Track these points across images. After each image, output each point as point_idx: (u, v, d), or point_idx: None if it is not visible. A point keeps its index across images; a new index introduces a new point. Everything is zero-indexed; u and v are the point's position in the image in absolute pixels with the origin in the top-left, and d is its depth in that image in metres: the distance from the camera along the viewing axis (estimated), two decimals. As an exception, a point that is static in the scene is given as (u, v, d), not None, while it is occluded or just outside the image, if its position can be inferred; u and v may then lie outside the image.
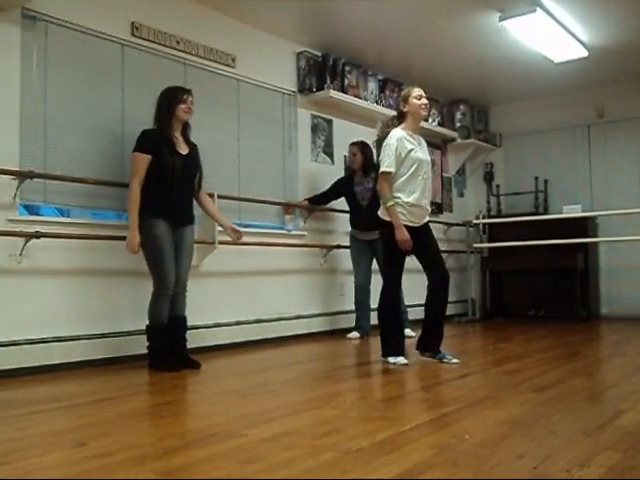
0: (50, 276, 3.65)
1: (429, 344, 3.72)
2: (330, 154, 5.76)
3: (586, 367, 3.59)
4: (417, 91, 3.74)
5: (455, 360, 3.66)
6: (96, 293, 3.84)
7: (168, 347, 3.61)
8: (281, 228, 5.27)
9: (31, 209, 3.97)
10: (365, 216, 4.87)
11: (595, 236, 6.67)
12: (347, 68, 5.72)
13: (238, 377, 3.51)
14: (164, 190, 3.57)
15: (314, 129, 5.60)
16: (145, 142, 3.59)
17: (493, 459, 1.82)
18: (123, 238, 3.87)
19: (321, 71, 5.54)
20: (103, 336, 3.83)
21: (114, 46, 4.09)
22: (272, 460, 1.84)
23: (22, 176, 3.51)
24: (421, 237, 3.68)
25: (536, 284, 6.80)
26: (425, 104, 3.76)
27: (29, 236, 3.46)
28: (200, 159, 3.83)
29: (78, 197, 3.86)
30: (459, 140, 7.28)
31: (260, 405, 2.68)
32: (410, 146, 3.65)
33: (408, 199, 3.61)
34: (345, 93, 5.63)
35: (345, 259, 5.41)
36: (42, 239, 3.51)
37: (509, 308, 7.03)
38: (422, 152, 3.73)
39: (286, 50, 5.37)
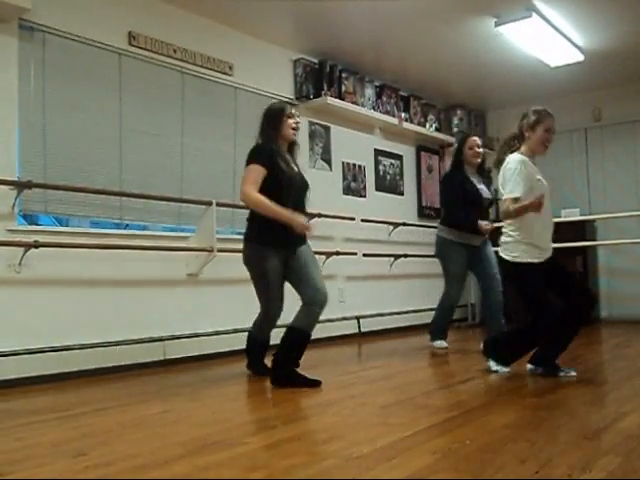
0: (49, 286, 3.65)
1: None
2: (328, 161, 5.76)
3: (586, 371, 3.58)
4: (549, 122, 3.32)
5: (572, 373, 3.28)
6: (95, 302, 3.84)
7: (260, 357, 3.72)
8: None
9: (30, 219, 3.98)
10: (485, 218, 4.51)
11: (594, 239, 6.67)
12: (344, 75, 5.74)
13: (238, 385, 3.50)
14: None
15: (312, 136, 5.61)
16: (261, 155, 3.23)
17: (495, 464, 1.81)
18: (122, 247, 3.89)
19: (318, 78, 5.56)
20: (102, 345, 3.82)
21: (111, 55, 4.10)
22: (274, 468, 1.84)
23: (21, 186, 3.51)
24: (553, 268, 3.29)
25: (535, 288, 6.78)
26: (549, 141, 3.38)
27: (28, 246, 3.46)
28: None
29: (76, 206, 3.86)
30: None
31: (261, 412, 2.67)
32: (537, 175, 3.35)
33: (540, 238, 3.26)
34: (342, 100, 5.65)
35: (344, 264, 5.38)
36: (41, 249, 3.51)
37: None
38: (545, 181, 3.37)
39: (283, 57, 5.39)
